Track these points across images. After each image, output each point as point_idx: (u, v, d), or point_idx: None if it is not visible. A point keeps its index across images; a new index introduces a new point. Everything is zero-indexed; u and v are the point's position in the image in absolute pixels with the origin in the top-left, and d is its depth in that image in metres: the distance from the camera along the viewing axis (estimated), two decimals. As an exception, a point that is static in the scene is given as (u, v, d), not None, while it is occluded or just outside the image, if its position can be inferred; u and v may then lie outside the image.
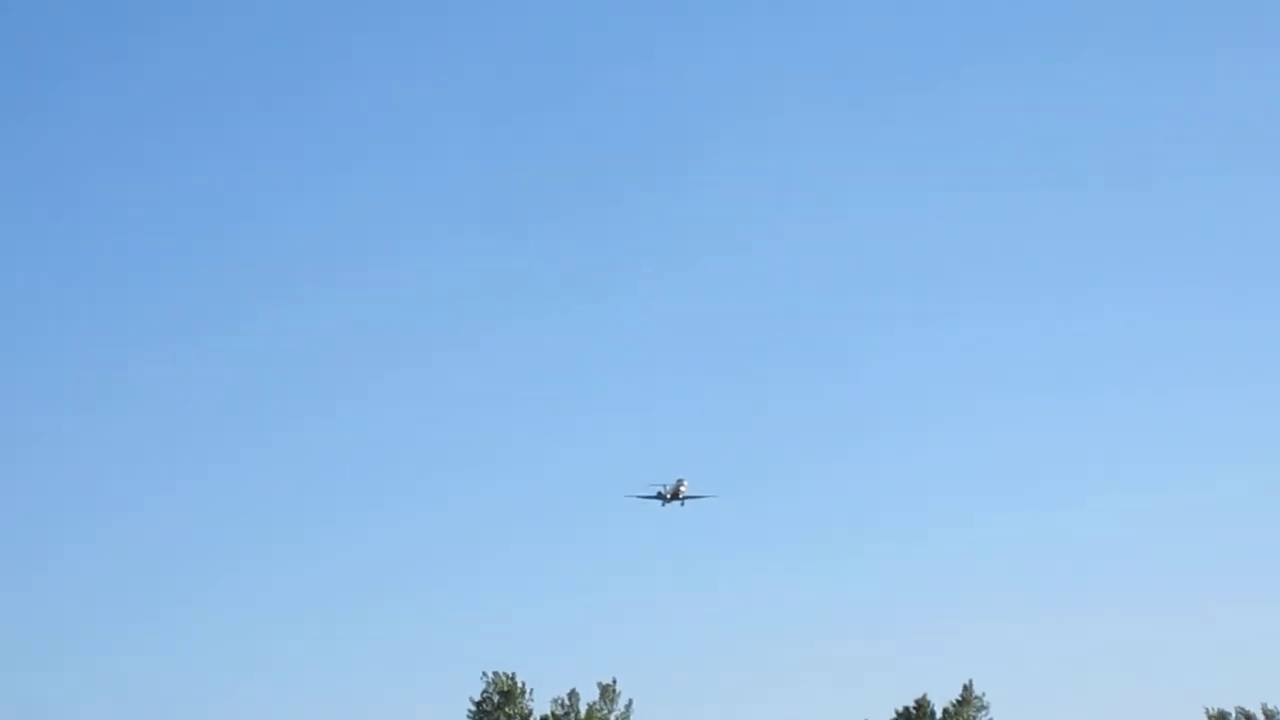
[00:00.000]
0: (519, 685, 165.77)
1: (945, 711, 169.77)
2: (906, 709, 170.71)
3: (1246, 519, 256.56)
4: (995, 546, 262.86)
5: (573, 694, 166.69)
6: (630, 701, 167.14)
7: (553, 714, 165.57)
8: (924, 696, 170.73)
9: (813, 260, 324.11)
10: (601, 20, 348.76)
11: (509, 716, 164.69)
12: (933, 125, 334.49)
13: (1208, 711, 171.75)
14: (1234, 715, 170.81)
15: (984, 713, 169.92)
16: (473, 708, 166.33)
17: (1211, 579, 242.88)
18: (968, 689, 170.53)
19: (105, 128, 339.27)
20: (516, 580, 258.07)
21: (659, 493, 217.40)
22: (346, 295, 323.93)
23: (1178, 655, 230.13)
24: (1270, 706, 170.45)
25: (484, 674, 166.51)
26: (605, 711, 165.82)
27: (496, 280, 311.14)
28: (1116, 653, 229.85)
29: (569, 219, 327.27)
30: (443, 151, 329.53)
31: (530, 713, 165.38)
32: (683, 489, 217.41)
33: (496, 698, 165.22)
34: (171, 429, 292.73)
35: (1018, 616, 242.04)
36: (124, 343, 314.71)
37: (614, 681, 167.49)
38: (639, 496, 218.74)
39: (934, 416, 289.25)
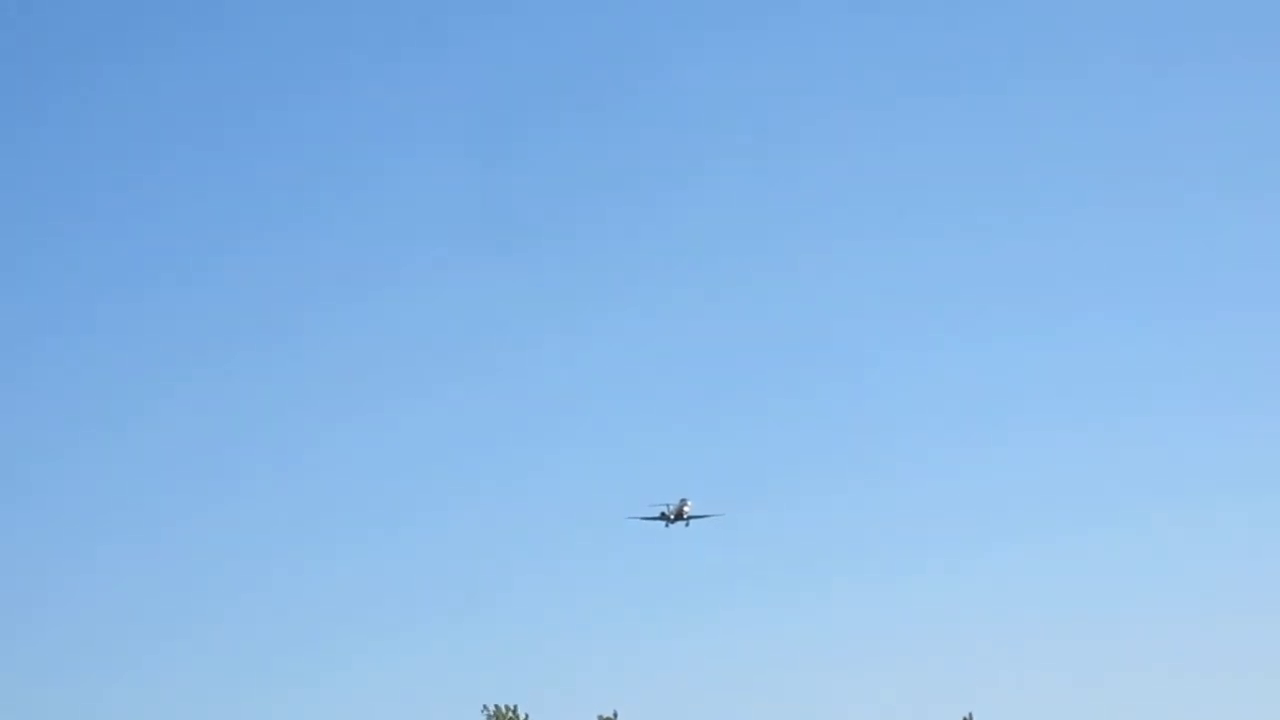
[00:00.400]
0: (521, 718, 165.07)
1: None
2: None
3: (1256, 549, 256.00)
4: (1003, 576, 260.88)
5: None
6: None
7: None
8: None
9: (824, 276, 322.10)
10: (607, 32, 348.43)
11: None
12: (947, 137, 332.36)
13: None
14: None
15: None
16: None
17: (1220, 610, 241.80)
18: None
19: (104, 143, 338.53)
20: (517, 608, 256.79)
21: (662, 513, 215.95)
22: (347, 314, 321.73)
23: (1181, 684, 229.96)
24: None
25: (484, 707, 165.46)
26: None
27: (497, 297, 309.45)
28: (1122, 688, 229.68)
29: (571, 234, 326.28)
30: (443, 167, 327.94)
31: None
32: (686, 509, 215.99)
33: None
34: (164, 451, 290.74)
35: (1022, 649, 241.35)
36: (125, 357, 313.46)
37: (615, 715, 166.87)
38: (641, 518, 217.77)
39: (945, 438, 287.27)
